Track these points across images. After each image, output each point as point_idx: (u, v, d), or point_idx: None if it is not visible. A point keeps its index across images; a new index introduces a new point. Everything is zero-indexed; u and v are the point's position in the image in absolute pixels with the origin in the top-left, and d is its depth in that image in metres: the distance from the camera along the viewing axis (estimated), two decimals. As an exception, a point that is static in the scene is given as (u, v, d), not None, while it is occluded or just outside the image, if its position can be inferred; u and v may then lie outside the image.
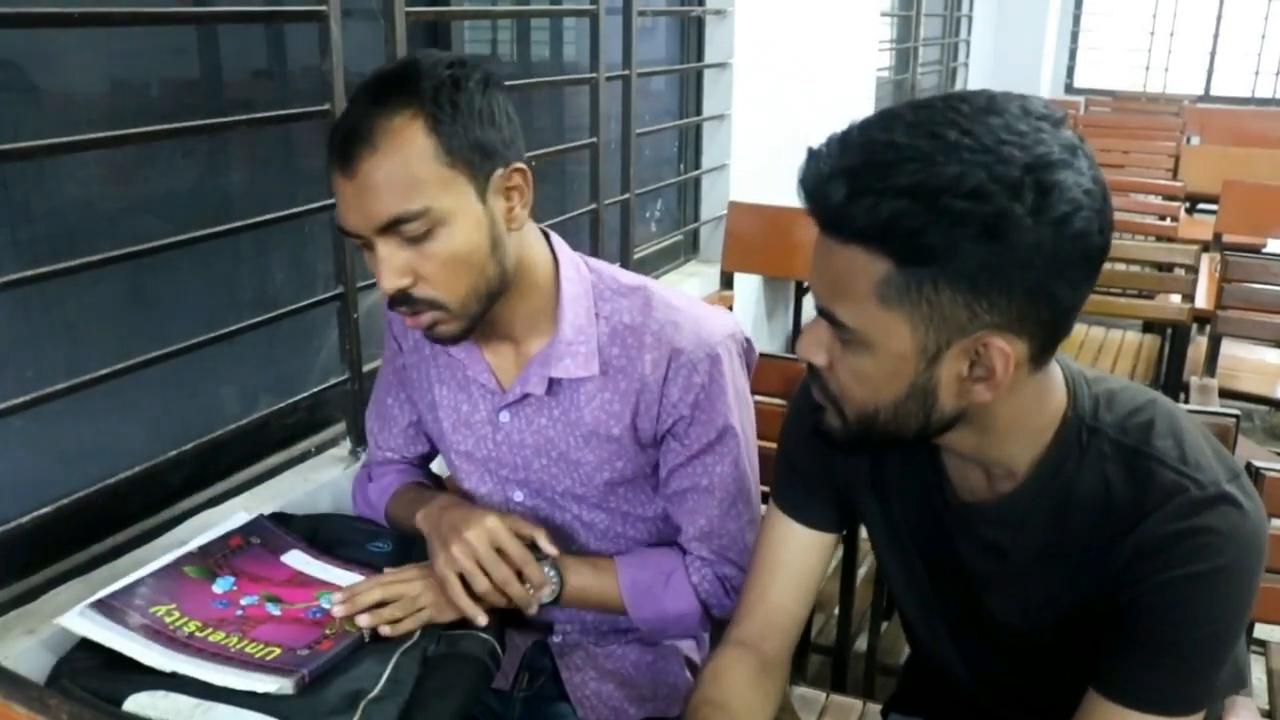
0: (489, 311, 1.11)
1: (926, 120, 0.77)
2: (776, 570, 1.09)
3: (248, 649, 1.01)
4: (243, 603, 1.09)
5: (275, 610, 1.09)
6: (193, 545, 1.16)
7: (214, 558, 1.15)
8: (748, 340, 1.22)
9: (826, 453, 1.02)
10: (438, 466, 1.41)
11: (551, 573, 1.17)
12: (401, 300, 1.06)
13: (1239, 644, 0.90)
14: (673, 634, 1.30)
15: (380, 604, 1.09)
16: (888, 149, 0.76)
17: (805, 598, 1.11)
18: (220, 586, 1.11)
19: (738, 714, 1.01)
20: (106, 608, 1.03)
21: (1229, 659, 0.88)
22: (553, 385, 1.17)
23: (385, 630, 1.07)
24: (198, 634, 1.03)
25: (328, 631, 1.06)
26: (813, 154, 0.81)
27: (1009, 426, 0.89)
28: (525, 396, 1.18)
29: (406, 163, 1.00)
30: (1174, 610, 0.84)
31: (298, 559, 1.19)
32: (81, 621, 1.01)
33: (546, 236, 1.19)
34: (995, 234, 0.75)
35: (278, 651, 1.01)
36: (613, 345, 1.16)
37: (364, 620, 1.06)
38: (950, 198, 0.74)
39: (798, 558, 1.09)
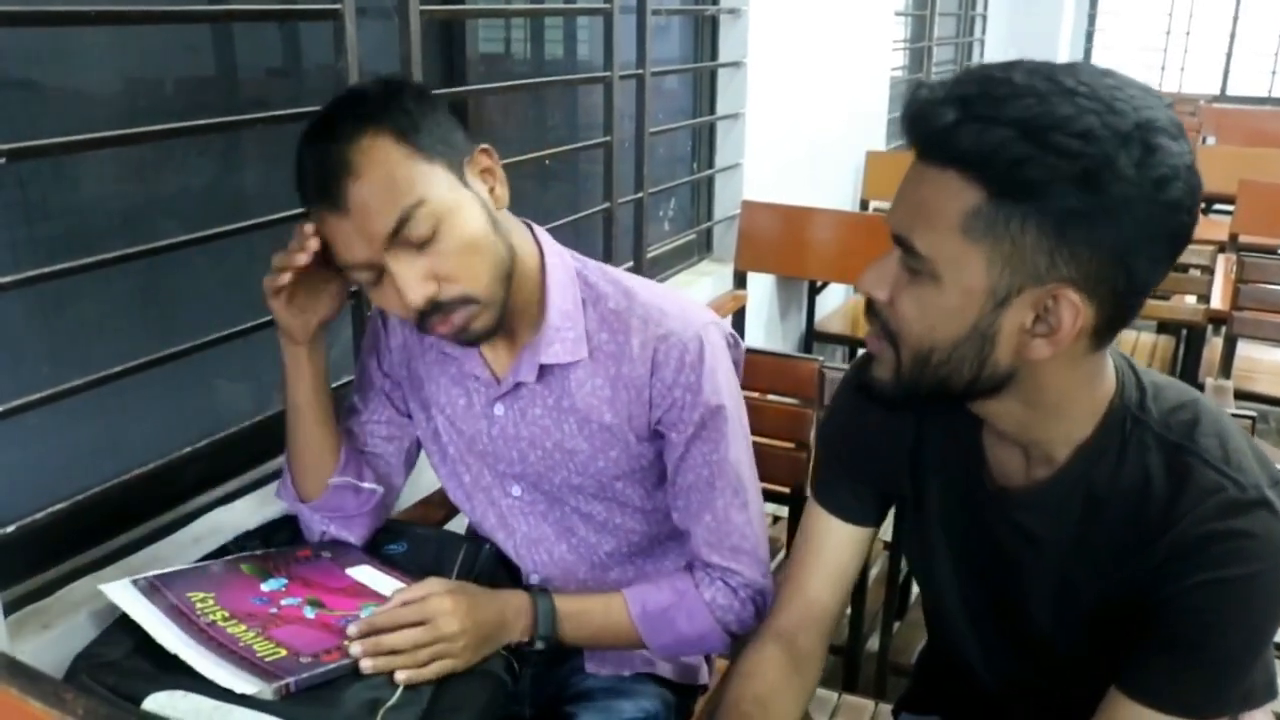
0: (510, 297, 1.10)
1: (1046, 69, 0.79)
2: (816, 564, 1.10)
3: (256, 645, 0.99)
4: (282, 603, 1.08)
5: (311, 615, 1.07)
6: (261, 551, 1.15)
7: (274, 562, 1.15)
8: (733, 335, 1.22)
9: (870, 434, 1.04)
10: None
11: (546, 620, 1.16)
12: (432, 310, 1.05)
13: (1268, 651, 0.89)
14: (695, 654, 1.31)
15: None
16: (1004, 84, 0.77)
17: (841, 592, 1.12)
18: (269, 585, 1.11)
19: (775, 711, 1.02)
20: (150, 586, 1.05)
21: (1257, 665, 0.87)
22: (543, 372, 1.17)
23: (402, 676, 1.00)
24: (219, 623, 1.02)
25: (344, 642, 1.02)
26: (922, 84, 0.82)
27: (1057, 402, 0.88)
28: (518, 386, 1.19)
29: (391, 171, 1.01)
30: (1204, 614, 0.84)
31: (365, 573, 1.17)
32: (121, 592, 1.03)
33: (530, 229, 1.19)
34: (1095, 181, 0.75)
35: (283, 654, 0.99)
36: (601, 331, 1.17)
37: (367, 665, 1.00)
38: (1059, 135, 0.75)
39: (837, 552, 1.10)
